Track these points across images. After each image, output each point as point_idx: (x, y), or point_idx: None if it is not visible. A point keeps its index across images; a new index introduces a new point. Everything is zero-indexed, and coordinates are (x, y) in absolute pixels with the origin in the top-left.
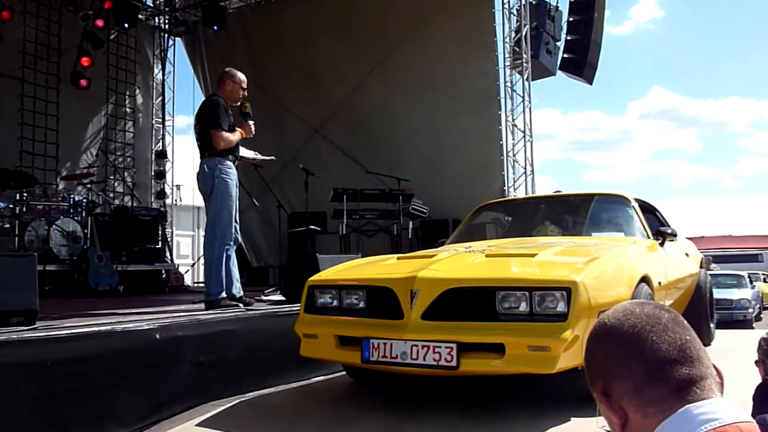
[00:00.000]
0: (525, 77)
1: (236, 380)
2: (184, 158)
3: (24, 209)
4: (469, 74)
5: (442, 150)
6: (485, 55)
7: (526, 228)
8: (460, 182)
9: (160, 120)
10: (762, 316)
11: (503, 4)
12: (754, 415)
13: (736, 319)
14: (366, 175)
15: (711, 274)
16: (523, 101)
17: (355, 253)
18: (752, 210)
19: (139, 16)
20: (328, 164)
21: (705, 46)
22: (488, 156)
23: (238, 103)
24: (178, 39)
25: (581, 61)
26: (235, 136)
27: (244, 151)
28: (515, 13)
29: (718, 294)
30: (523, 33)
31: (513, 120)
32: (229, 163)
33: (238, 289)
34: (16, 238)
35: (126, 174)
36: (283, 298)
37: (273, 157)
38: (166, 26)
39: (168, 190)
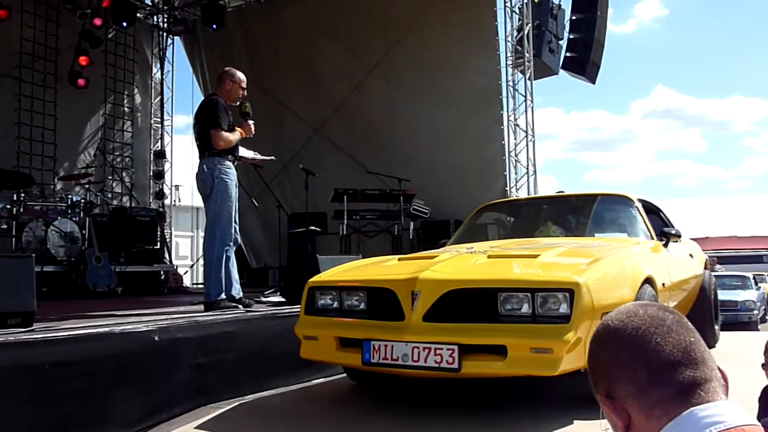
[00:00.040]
0: (527, 76)
1: (235, 382)
2: (183, 158)
3: (21, 210)
4: (470, 73)
5: (444, 150)
6: (487, 54)
7: (529, 229)
8: (461, 182)
9: (159, 120)
10: (767, 317)
11: (505, 2)
12: (759, 418)
13: (741, 320)
14: (366, 175)
15: (715, 276)
16: (525, 100)
17: (355, 254)
18: (757, 210)
19: (138, 14)
20: (328, 164)
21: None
22: (490, 156)
23: (238, 103)
24: (176, 38)
25: (584, 60)
26: (234, 136)
27: (243, 151)
28: (517, 11)
29: (723, 295)
30: (526, 31)
31: (515, 119)
32: (229, 163)
33: (237, 291)
34: (13, 239)
35: (124, 174)
36: (282, 300)
37: (273, 157)
38: (165, 25)
39: (167, 191)
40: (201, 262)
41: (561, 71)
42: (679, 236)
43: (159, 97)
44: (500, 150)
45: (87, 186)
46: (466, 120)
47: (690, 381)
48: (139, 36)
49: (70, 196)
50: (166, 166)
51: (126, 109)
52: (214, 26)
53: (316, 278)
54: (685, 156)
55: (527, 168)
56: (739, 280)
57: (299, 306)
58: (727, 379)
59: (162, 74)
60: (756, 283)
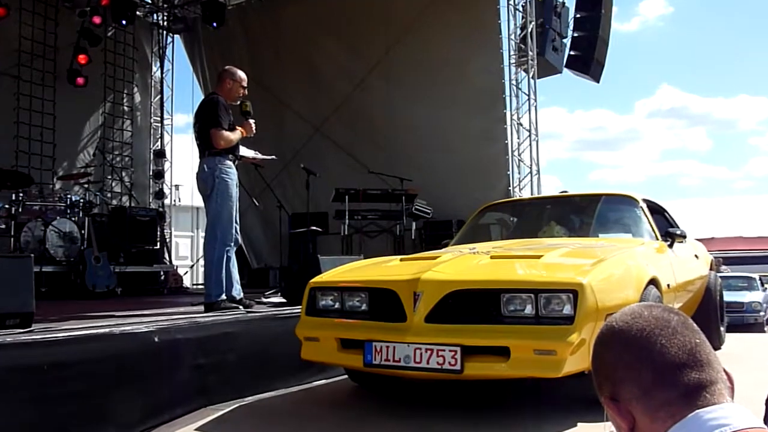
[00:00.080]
0: (530, 75)
1: (236, 384)
2: (183, 158)
3: (20, 210)
4: (473, 72)
5: (446, 149)
6: (490, 53)
7: (532, 229)
8: (464, 182)
9: (159, 119)
10: None
11: (508, 0)
12: (766, 420)
13: (747, 322)
14: (368, 174)
15: (721, 276)
16: (529, 99)
17: (357, 255)
18: (763, 210)
19: (137, 12)
20: (329, 163)
21: (715, 42)
22: (493, 155)
23: (238, 102)
24: (176, 36)
25: (588, 59)
26: (235, 135)
27: (244, 151)
28: (521, 9)
29: (729, 297)
30: (529, 30)
31: (518, 119)
32: (230, 162)
33: (238, 291)
34: (12, 239)
35: (124, 174)
36: (283, 301)
37: (274, 157)
38: (165, 23)
39: (167, 190)
40: (201, 262)
41: (565, 70)
42: (684, 237)
43: (159, 96)
44: (503, 149)
45: (86, 186)
46: (469, 119)
47: (695, 383)
48: (138, 34)
49: (69, 196)
50: (166, 165)
51: (125, 108)
52: (215, 24)
53: (317, 279)
54: (690, 155)
55: (530, 167)
56: (745, 282)
57: (300, 307)
58: (733, 382)
59: (162, 73)
60: (762, 285)
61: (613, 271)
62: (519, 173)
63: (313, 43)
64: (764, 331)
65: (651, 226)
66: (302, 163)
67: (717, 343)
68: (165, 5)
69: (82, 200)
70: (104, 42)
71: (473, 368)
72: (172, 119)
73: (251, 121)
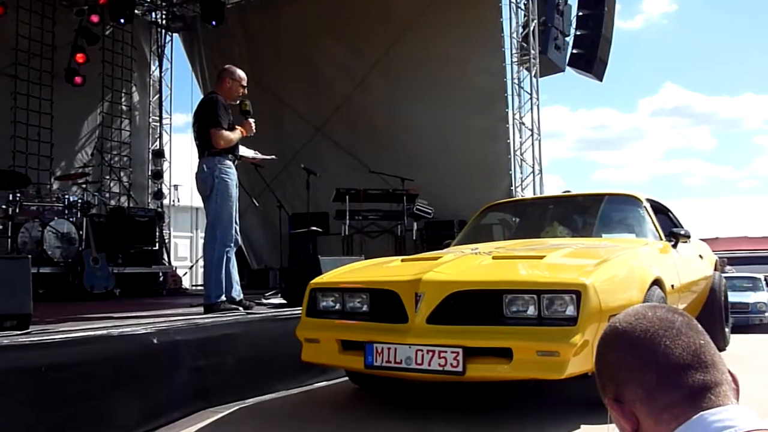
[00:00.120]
0: (533, 73)
1: (236, 386)
2: (182, 158)
3: (17, 210)
4: (474, 70)
5: (447, 149)
6: (492, 51)
7: (535, 229)
8: (465, 182)
9: (158, 118)
10: None
11: None
12: None
13: (751, 323)
14: (369, 174)
15: (726, 277)
16: (531, 98)
17: (358, 255)
18: None
19: (136, 11)
20: (329, 163)
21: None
22: (495, 155)
23: (238, 101)
24: (175, 35)
25: (591, 57)
26: (235, 135)
27: (244, 150)
28: (523, 7)
29: (733, 297)
30: (531, 28)
31: (520, 117)
32: (229, 162)
33: (237, 292)
34: (9, 240)
35: (122, 174)
36: (284, 302)
37: (273, 157)
38: (164, 22)
39: (165, 191)
40: (200, 263)
41: (567, 68)
42: (689, 237)
43: (157, 95)
44: (505, 149)
45: (84, 186)
46: (471, 118)
47: (700, 385)
48: (137, 33)
49: (66, 196)
50: (165, 165)
51: (124, 107)
52: (214, 23)
53: (317, 280)
54: (695, 155)
55: (533, 167)
56: (750, 282)
57: (300, 308)
58: (738, 383)
59: (160, 72)
60: (767, 285)
61: (617, 272)
62: (521, 173)
63: (312, 42)
64: None
65: (655, 226)
66: (302, 163)
67: (722, 344)
68: (164, 4)
69: (80, 201)
70: (102, 41)
71: (475, 370)
72: (171, 119)
73: (251, 120)
